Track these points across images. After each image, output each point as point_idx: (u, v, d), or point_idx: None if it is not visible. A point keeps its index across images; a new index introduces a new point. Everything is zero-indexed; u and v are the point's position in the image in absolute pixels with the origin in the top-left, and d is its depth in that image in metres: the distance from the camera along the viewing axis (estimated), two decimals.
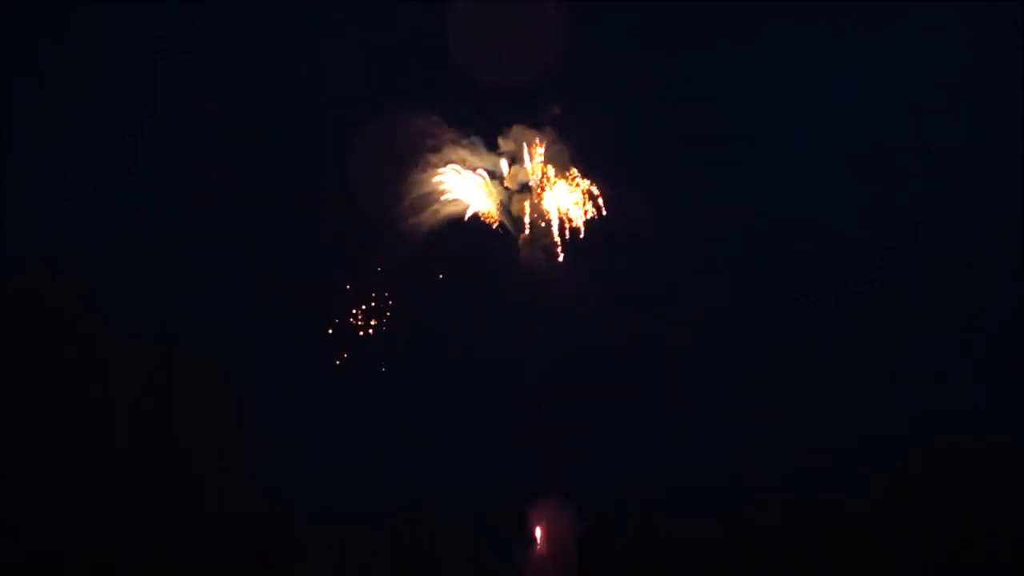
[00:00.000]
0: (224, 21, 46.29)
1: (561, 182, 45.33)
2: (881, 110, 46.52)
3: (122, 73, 46.49)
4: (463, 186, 45.36)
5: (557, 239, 44.97)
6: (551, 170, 45.40)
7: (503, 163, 45.56)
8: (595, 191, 45.02)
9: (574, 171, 45.34)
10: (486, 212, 45.55)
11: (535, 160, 45.30)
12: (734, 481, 44.43)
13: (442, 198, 45.21)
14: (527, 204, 45.45)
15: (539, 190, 45.28)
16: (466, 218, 45.42)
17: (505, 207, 45.70)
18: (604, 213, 45.02)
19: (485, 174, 45.58)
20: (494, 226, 45.75)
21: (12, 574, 41.25)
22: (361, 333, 45.05)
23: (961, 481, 43.52)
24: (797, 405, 45.34)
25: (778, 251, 45.98)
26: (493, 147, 45.68)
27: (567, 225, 45.10)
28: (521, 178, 45.48)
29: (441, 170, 45.21)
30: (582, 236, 45.09)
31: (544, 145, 45.28)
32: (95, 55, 46.22)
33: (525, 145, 45.34)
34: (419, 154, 44.87)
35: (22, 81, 45.52)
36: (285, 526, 43.80)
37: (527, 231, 45.32)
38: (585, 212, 45.06)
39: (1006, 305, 45.13)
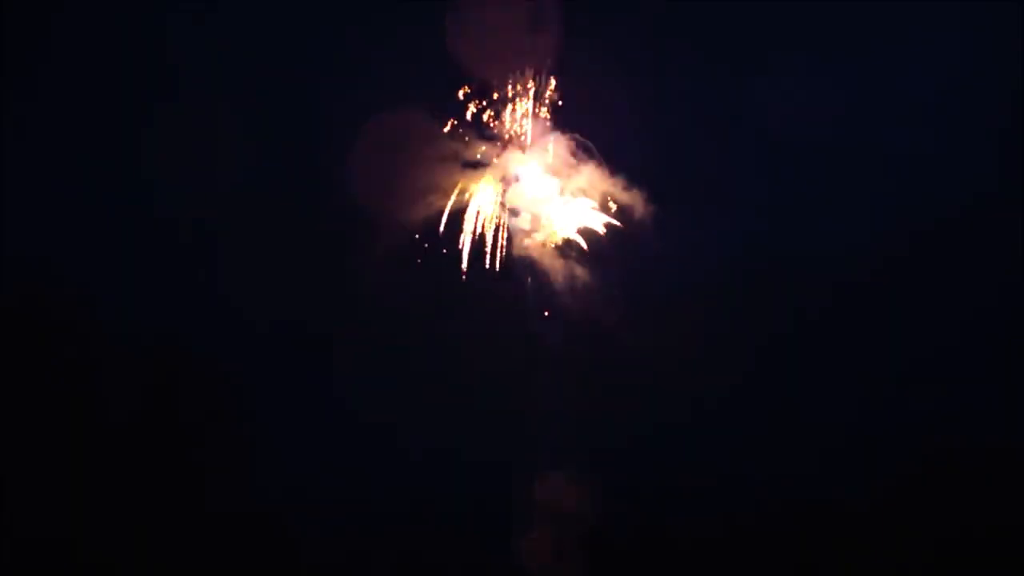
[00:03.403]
0: (222, 19, 46.43)
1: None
2: (880, 110, 46.63)
3: (122, 72, 46.58)
4: (457, 180, 45.35)
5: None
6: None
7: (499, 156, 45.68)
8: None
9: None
10: (482, 205, 45.53)
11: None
12: (734, 481, 44.46)
13: (436, 193, 45.21)
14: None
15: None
16: (461, 212, 45.43)
17: (500, 200, 45.73)
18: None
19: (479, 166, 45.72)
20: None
21: (13, 574, 41.37)
22: (360, 331, 45.18)
23: (961, 481, 43.53)
24: (796, 404, 45.36)
25: (777, 251, 46.02)
26: (488, 140, 45.74)
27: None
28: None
29: (435, 165, 45.25)
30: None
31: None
32: (94, 54, 46.31)
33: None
34: (412, 150, 44.87)
35: (20, 80, 45.63)
36: (286, 526, 43.88)
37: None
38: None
39: (1005, 305, 45.12)
